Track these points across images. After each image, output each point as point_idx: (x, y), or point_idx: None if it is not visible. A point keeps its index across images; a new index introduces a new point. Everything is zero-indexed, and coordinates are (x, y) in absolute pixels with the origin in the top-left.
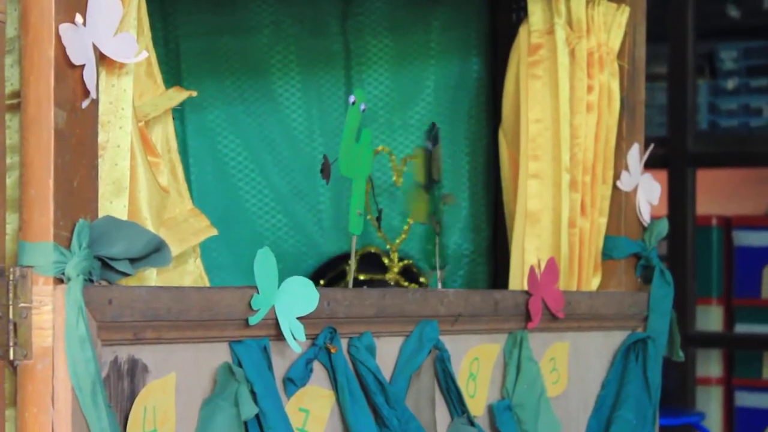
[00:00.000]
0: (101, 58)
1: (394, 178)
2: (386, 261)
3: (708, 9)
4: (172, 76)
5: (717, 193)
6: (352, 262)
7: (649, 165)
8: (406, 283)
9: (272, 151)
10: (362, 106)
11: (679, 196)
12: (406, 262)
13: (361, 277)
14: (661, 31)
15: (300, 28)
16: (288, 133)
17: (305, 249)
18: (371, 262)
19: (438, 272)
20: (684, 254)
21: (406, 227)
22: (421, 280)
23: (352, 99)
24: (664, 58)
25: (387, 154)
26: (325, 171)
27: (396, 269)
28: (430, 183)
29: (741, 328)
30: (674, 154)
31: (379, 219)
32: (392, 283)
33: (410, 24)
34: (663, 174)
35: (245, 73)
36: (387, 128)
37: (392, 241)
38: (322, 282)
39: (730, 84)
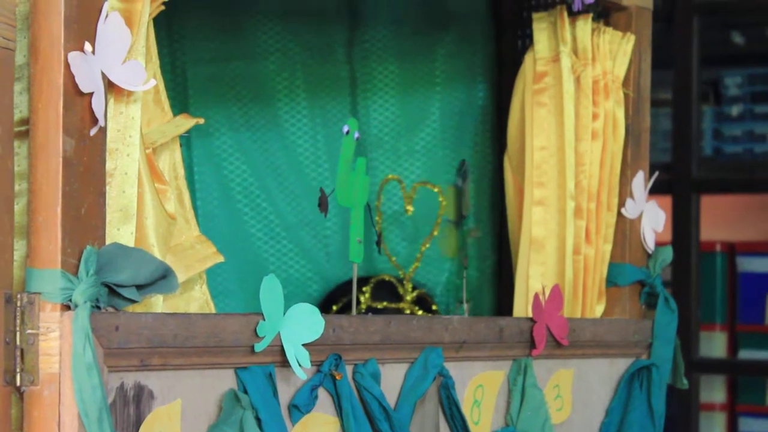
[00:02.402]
0: (109, 86)
1: (405, 206)
2: (400, 289)
3: (713, 36)
4: (179, 102)
5: (721, 219)
6: (354, 289)
7: (654, 190)
8: (420, 312)
9: (278, 177)
10: (356, 135)
11: (683, 222)
12: (419, 291)
13: (376, 305)
14: (665, 58)
15: (306, 55)
16: (294, 159)
17: (311, 275)
18: (385, 290)
19: (465, 305)
20: (688, 280)
21: (418, 255)
22: (434, 308)
23: (345, 129)
24: (669, 84)
25: (397, 183)
26: (323, 204)
27: (409, 298)
28: (460, 219)
29: (745, 354)
30: (678, 180)
31: (378, 243)
32: (408, 312)
33: (416, 51)
34: (667, 199)
35: (252, 99)
36: (392, 154)
37: (405, 268)
38: (335, 307)
39: (735, 110)
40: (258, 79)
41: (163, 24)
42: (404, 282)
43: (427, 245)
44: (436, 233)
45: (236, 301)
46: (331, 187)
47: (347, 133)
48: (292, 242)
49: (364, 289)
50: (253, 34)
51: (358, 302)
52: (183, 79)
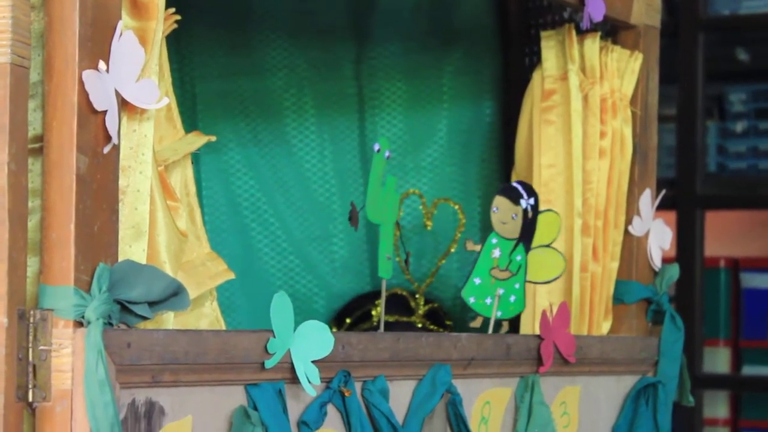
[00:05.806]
0: (123, 104)
1: (425, 221)
2: (412, 303)
3: (717, 52)
4: (188, 118)
5: (725, 235)
6: (382, 306)
7: (658, 207)
8: (433, 327)
9: (285, 193)
10: (387, 154)
11: (687, 238)
12: (432, 305)
13: (387, 319)
14: (670, 73)
15: (314, 72)
16: (301, 174)
17: (317, 290)
18: (397, 303)
19: (492, 322)
20: (692, 295)
21: (433, 270)
22: (447, 323)
23: (377, 147)
24: (673, 100)
25: (418, 197)
26: (354, 218)
27: (421, 311)
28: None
29: (748, 370)
30: (683, 196)
31: (407, 263)
32: (419, 326)
33: (423, 68)
34: (671, 215)
35: (260, 115)
36: (399, 170)
37: (419, 282)
38: (348, 320)
39: (739, 126)
40: (266, 95)
41: (171, 40)
42: (417, 296)
43: (443, 261)
44: (453, 249)
45: (242, 315)
46: (340, 203)
47: (378, 151)
48: (299, 258)
49: (377, 302)
50: (261, 50)
51: (371, 315)
52: (192, 94)
